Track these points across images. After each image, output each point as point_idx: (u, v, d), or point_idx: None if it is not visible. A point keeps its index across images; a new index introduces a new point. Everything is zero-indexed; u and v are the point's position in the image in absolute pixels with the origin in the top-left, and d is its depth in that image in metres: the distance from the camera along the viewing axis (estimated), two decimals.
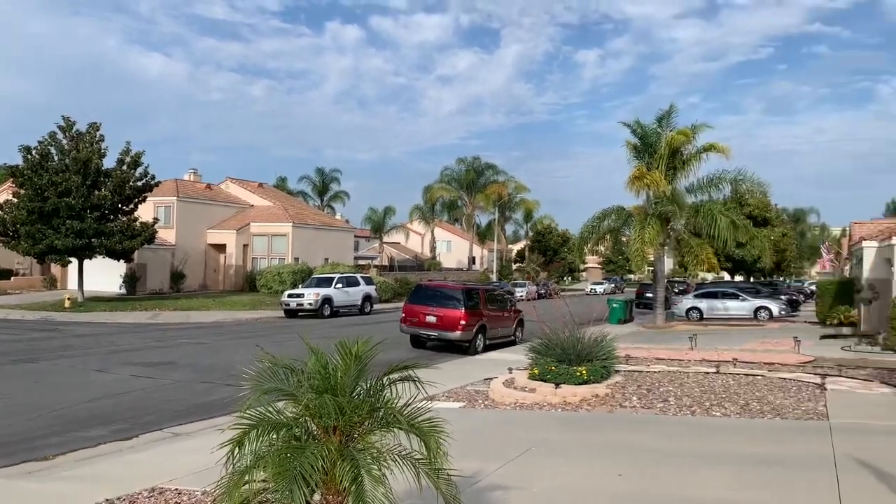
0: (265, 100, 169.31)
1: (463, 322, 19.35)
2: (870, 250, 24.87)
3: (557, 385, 11.96)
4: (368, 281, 37.53)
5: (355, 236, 63.12)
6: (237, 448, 4.22)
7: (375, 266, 60.26)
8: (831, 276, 42.96)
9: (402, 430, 4.35)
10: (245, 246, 49.28)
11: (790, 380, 13.44)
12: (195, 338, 22.91)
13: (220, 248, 49.33)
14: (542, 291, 57.40)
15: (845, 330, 25.00)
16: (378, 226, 70.11)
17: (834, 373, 14.49)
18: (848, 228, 40.05)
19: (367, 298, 35.80)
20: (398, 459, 4.25)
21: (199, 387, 13.68)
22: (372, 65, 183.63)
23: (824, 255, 45.48)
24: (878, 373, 14.42)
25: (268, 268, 46.17)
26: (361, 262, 63.26)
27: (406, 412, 4.37)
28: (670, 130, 30.35)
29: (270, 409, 4.36)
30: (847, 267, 35.76)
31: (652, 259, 32.76)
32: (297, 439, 4.27)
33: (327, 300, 32.46)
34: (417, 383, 4.65)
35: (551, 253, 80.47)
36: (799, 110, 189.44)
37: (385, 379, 4.47)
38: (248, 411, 4.31)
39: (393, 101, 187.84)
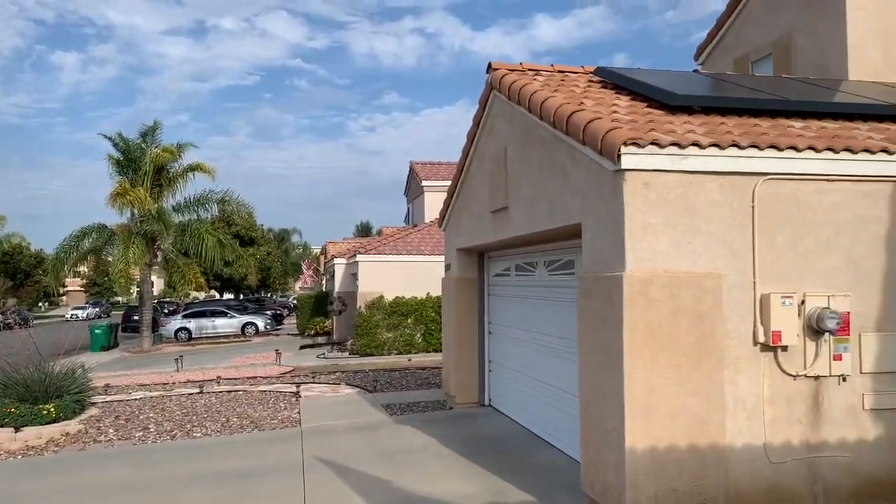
0: None
1: None
2: (340, 266, 28.06)
3: (18, 428, 10.42)
4: None
5: None
6: None
7: None
8: (311, 290, 47.15)
9: None
10: None
11: (270, 392, 14.19)
12: None
13: None
14: (10, 321, 49.88)
15: (321, 339, 27.68)
16: None
17: (309, 380, 15.82)
18: (324, 247, 44.55)
19: None
20: None
21: None
22: None
23: (305, 271, 49.61)
24: (345, 376, 16.24)
25: None
26: None
27: None
28: (156, 147, 29.67)
29: None
30: (324, 282, 39.71)
31: (139, 280, 31.32)
32: None
33: None
34: None
35: (22, 276, 70.50)
36: (284, 137, 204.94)
37: None
38: None
39: None
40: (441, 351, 13.43)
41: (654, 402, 5.54)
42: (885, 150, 5.98)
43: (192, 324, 33.77)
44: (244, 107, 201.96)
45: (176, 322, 34.21)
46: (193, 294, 72.92)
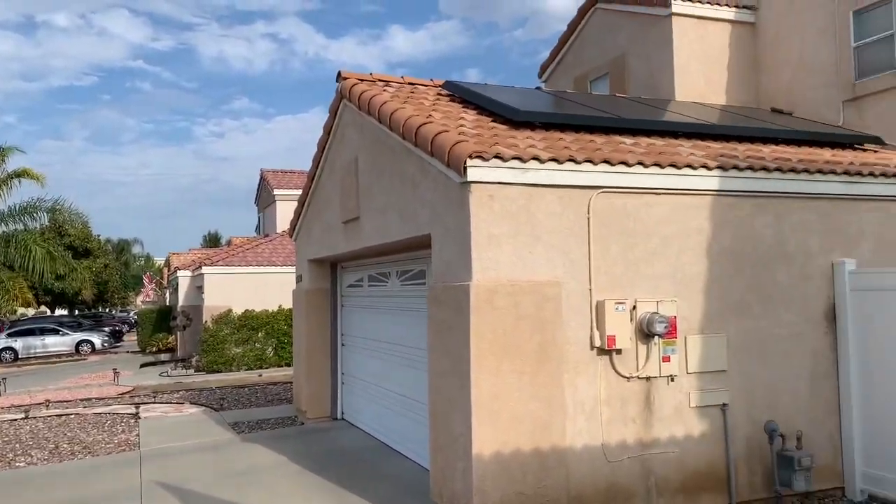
0: None
1: None
2: (185, 279, 26.73)
3: None
4: None
5: None
6: None
7: None
8: (154, 305, 44.60)
9: None
10: None
11: (106, 414, 13.24)
12: None
13: None
14: None
15: (164, 356, 26.25)
16: None
17: (150, 400, 14.92)
18: (168, 258, 42.29)
19: None
20: None
21: None
22: None
23: (146, 284, 46.89)
24: (189, 394, 15.47)
25: None
26: None
27: None
28: None
29: None
30: (167, 296, 37.70)
31: None
32: None
33: None
34: None
35: None
36: (125, 142, 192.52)
37: None
38: None
39: None
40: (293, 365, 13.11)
41: (499, 407, 5.67)
42: (704, 166, 6.49)
43: (18, 343, 31.06)
44: (80, 109, 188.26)
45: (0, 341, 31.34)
46: (21, 311, 67.04)
